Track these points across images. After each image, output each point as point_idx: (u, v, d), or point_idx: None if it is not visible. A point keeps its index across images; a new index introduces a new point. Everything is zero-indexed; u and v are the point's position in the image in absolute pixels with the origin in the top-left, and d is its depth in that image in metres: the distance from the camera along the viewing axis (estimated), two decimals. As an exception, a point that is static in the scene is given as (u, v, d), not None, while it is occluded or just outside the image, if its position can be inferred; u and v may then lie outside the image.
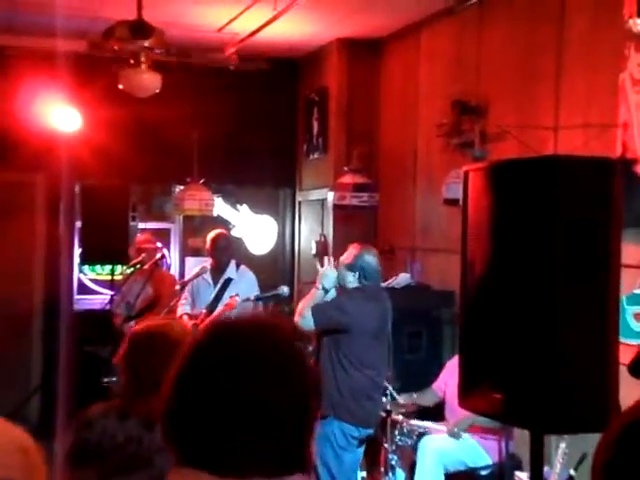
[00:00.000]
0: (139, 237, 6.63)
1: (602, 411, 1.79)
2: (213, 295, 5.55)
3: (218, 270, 5.64)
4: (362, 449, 4.51)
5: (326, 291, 4.42)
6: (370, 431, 4.47)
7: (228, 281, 5.59)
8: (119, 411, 2.20)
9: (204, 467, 1.16)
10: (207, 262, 5.81)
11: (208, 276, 5.64)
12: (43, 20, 5.69)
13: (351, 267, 4.41)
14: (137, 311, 5.93)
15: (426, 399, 4.99)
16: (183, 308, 5.67)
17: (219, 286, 5.58)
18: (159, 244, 6.75)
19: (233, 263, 5.72)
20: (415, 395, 4.97)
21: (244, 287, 5.48)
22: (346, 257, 4.47)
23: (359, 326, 4.34)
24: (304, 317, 4.29)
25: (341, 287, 4.48)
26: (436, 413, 4.96)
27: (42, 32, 5.87)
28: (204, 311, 5.42)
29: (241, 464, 1.16)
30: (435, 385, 5.00)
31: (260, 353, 1.22)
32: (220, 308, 5.30)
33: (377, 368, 4.47)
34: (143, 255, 6.04)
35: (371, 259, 4.45)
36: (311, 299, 4.39)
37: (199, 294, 5.66)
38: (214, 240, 5.69)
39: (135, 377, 2.34)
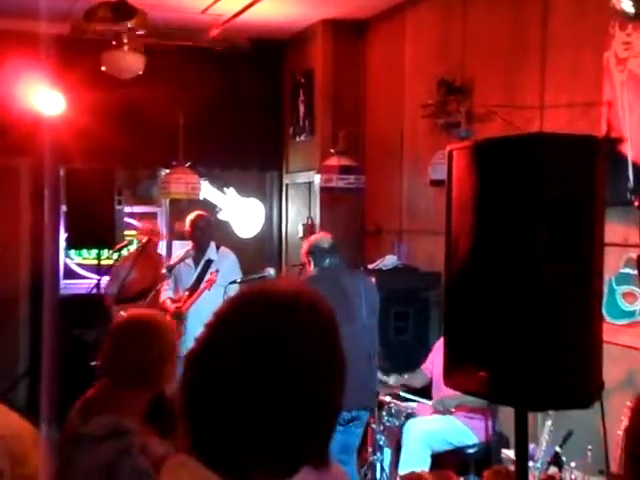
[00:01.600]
0: (142, 224, 6.67)
1: (586, 388, 1.80)
2: (195, 276, 5.56)
3: (199, 252, 5.66)
4: (355, 431, 4.44)
5: None
6: (355, 412, 4.39)
7: (209, 262, 5.60)
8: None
9: (207, 458, 1.06)
10: (190, 245, 5.83)
11: (190, 260, 5.65)
12: (25, 2, 5.62)
13: (306, 258, 4.60)
14: (131, 295, 5.95)
15: (416, 380, 5.02)
16: (166, 293, 5.67)
17: (200, 268, 5.59)
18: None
19: (213, 244, 5.74)
20: (406, 376, 5.01)
21: (225, 268, 5.50)
22: (302, 254, 4.67)
23: None
24: None
25: None
26: (423, 394, 4.99)
27: (24, 14, 5.80)
28: (186, 293, 5.43)
29: (247, 461, 1.06)
30: (424, 366, 5.03)
31: (290, 337, 1.10)
32: (202, 286, 5.32)
33: (350, 347, 4.39)
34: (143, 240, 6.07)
35: (319, 241, 4.61)
36: None
37: (181, 278, 5.66)
38: (193, 222, 5.70)
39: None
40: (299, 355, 1.10)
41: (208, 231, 5.71)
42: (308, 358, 1.11)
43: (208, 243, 5.69)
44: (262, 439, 1.05)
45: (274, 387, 1.06)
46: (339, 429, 4.42)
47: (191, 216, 5.78)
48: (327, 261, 4.53)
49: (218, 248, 5.75)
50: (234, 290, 5.07)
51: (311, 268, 4.57)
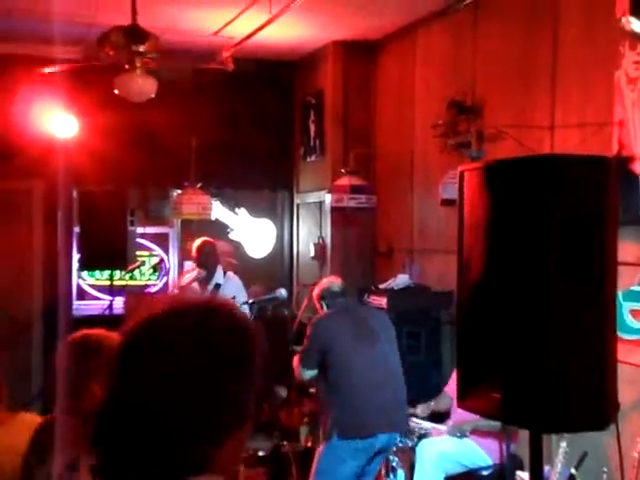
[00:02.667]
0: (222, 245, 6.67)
1: (601, 410, 1.79)
2: None
3: (206, 276, 5.69)
4: (380, 459, 4.45)
5: None
6: (380, 440, 4.38)
7: (217, 286, 5.62)
8: None
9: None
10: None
11: (196, 283, 5.70)
12: (39, 27, 5.70)
13: (319, 304, 4.67)
14: None
15: (442, 404, 4.98)
16: None
17: (209, 292, 5.60)
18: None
19: (220, 269, 5.78)
20: (432, 403, 4.98)
21: (231, 293, 5.51)
22: (315, 292, 4.73)
23: (333, 338, 4.39)
24: (302, 374, 4.52)
25: None
26: (436, 417, 4.96)
27: (38, 39, 5.88)
28: None
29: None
30: (447, 388, 4.98)
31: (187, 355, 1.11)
32: None
33: (373, 372, 4.40)
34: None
35: (329, 285, 4.69)
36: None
37: None
38: (199, 248, 5.74)
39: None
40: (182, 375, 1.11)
41: (214, 256, 5.75)
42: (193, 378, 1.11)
43: (215, 268, 5.73)
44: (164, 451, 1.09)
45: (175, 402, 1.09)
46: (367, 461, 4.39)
47: (196, 243, 5.82)
48: (339, 301, 4.61)
49: (225, 273, 5.79)
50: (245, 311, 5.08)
51: (323, 310, 4.64)
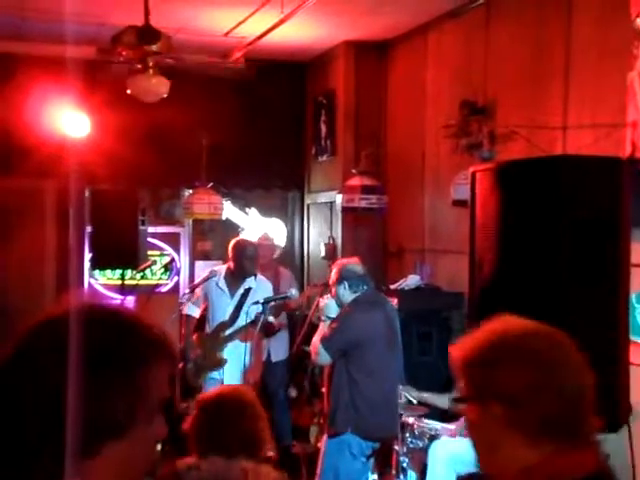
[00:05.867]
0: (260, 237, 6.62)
1: (613, 412, 1.78)
2: (234, 305, 5.41)
3: (237, 279, 5.46)
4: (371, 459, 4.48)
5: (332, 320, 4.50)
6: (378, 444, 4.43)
7: (248, 290, 5.40)
8: None
9: None
10: (217, 266, 5.76)
11: (223, 284, 5.46)
12: (51, 27, 5.72)
13: (338, 281, 4.52)
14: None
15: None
16: (189, 309, 5.56)
17: (239, 296, 5.45)
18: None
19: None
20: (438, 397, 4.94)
21: (262, 296, 5.38)
22: (332, 278, 4.59)
23: (370, 338, 4.35)
24: (319, 354, 4.41)
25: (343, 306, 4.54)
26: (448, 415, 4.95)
27: (51, 39, 5.90)
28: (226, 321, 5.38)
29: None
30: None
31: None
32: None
33: (393, 376, 4.43)
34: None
35: (352, 266, 4.55)
36: (321, 334, 4.46)
37: (212, 301, 5.54)
38: (241, 250, 5.45)
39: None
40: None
41: (251, 261, 5.45)
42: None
43: (251, 272, 5.46)
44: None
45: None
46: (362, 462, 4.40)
47: (236, 242, 5.56)
48: (364, 287, 4.52)
49: (255, 275, 5.53)
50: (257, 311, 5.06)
51: (343, 291, 4.51)
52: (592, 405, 1.43)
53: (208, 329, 5.51)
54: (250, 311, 5.11)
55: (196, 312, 5.57)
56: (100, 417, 1.05)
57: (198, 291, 5.59)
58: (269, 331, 5.65)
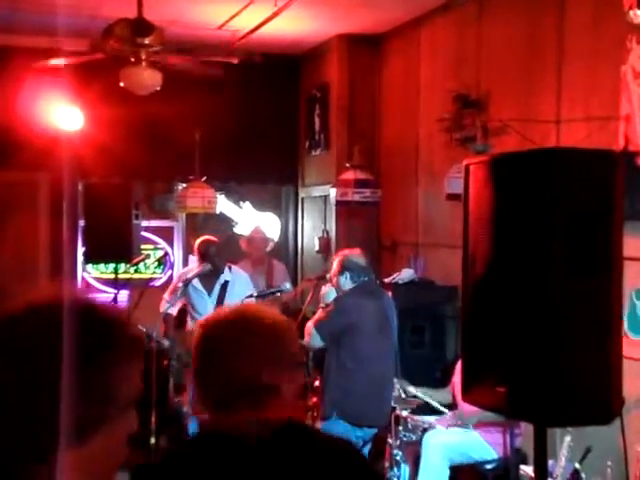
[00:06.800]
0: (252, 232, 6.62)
1: (606, 404, 1.79)
2: (214, 301, 5.40)
3: (210, 277, 5.47)
4: (367, 448, 4.50)
5: None
6: (375, 430, 4.47)
7: (225, 284, 5.47)
8: None
9: None
10: (190, 272, 5.68)
11: (198, 284, 5.47)
12: (44, 20, 5.69)
13: (340, 271, 4.56)
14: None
15: (440, 397, 4.96)
16: (166, 307, 5.55)
17: (217, 292, 5.48)
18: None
19: (226, 267, 5.61)
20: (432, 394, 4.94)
21: (239, 288, 5.41)
22: (334, 268, 4.63)
23: (360, 323, 4.37)
24: (311, 335, 4.46)
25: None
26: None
27: (43, 31, 5.88)
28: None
29: None
30: (454, 379, 4.98)
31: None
32: None
33: (383, 365, 4.47)
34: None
35: (354, 257, 4.60)
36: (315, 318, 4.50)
37: (194, 303, 5.53)
38: (204, 250, 5.48)
39: None
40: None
41: (219, 258, 5.51)
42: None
43: (222, 268, 5.52)
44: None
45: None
46: (363, 449, 4.41)
47: (199, 244, 5.57)
48: (364, 278, 4.56)
49: (230, 268, 5.59)
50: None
51: (344, 281, 4.55)
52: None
53: (190, 326, 5.52)
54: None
55: (173, 310, 5.61)
56: (75, 413, 1.03)
57: (170, 293, 5.61)
58: None
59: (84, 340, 1.05)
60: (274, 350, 1.80)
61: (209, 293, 5.49)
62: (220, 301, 5.40)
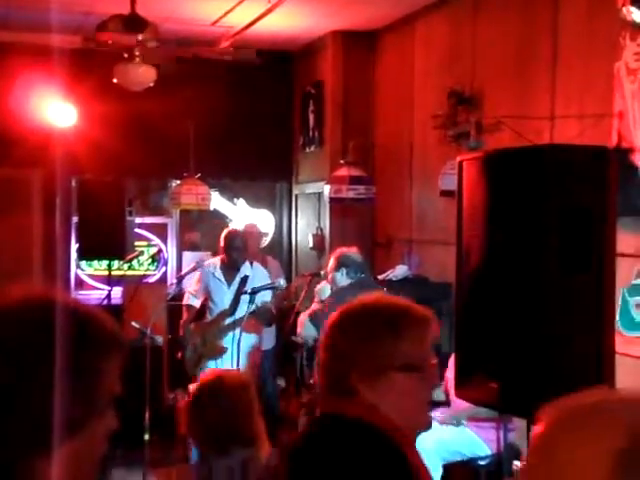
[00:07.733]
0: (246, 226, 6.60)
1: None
2: (233, 294, 5.41)
3: (231, 269, 5.49)
4: None
5: None
6: None
7: (245, 279, 5.42)
8: None
9: None
10: (207, 260, 5.74)
11: (219, 274, 5.51)
12: (37, 16, 5.68)
13: (336, 268, 4.61)
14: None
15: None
16: (190, 300, 5.59)
17: (236, 285, 5.44)
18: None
19: (246, 261, 5.63)
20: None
21: (259, 283, 5.41)
22: (330, 264, 4.68)
23: None
24: (305, 327, 4.48)
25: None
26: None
27: (36, 27, 5.86)
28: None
29: None
30: (446, 374, 5.00)
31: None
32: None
33: None
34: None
35: (351, 254, 4.65)
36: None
37: (210, 292, 5.58)
38: (230, 241, 5.49)
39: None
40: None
41: (239, 251, 5.49)
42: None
43: (240, 261, 5.50)
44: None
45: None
46: None
47: (226, 233, 5.57)
48: (361, 275, 4.60)
49: (251, 263, 5.59)
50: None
51: (340, 277, 4.59)
52: None
53: (209, 317, 5.57)
54: (257, 301, 5.15)
55: (197, 303, 5.61)
56: (57, 413, 1.02)
57: (196, 283, 5.62)
58: (271, 320, 5.70)
59: (59, 340, 1.04)
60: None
61: (228, 284, 5.50)
62: (238, 295, 5.41)
